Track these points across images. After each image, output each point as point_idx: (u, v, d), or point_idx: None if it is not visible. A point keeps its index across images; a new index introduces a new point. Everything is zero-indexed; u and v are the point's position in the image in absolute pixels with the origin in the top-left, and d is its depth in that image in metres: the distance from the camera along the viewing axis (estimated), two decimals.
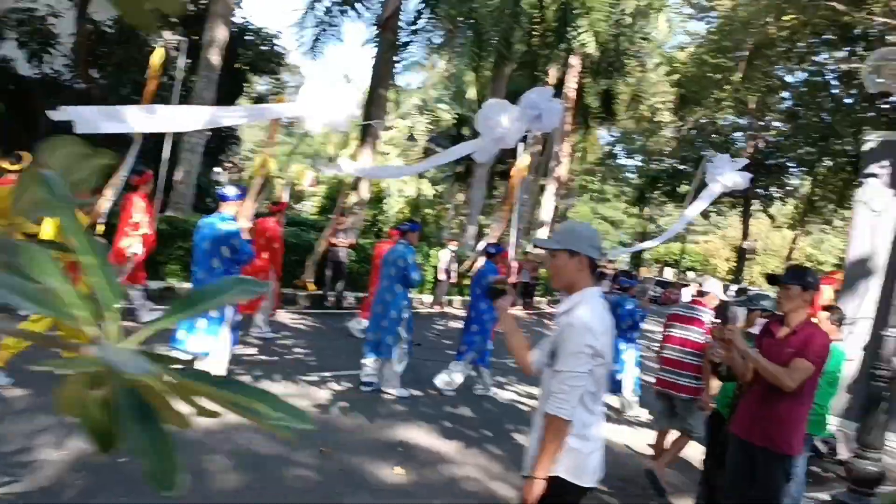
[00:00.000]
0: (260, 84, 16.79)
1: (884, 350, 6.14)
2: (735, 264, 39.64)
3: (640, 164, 53.14)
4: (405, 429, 6.89)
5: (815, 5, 17.89)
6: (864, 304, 6.45)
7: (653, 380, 7.05)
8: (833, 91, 28.76)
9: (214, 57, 13.00)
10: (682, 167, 44.85)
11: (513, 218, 9.68)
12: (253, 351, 8.92)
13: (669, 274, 54.86)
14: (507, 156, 29.39)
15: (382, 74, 16.43)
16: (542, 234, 29.29)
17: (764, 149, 35.54)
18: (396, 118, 43.88)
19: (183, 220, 11.71)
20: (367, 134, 16.42)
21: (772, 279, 4.09)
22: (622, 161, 56.32)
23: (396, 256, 7.98)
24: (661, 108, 37.38)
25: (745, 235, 39.66)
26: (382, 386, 8.03)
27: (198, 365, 1.09)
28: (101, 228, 8.47)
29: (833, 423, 6.66)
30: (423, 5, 17.07)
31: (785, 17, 18.62)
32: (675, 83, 28.45)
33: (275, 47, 16.20)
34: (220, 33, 12.99)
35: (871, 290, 6.44)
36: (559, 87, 27.00)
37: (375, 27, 16.61)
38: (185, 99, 14.25)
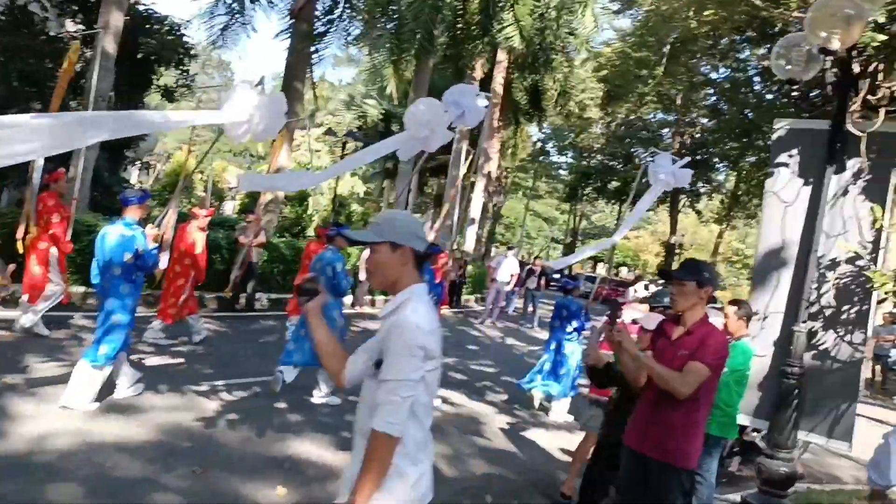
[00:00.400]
0: (168, 76, 15.91)
1: (794, 346, 5.88)
2: (664, 259, 40.10)
3: (571, 160, 53.62)
4: (298, 442, 6.36)
5: (735, 0, 17.93)
6: (775, 297, 6.20)
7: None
8: (755, 87, 29.23)
9: (110, 45, 12.18)
10: (611, 163, 45.33)
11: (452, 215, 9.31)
12: (140, 357, 8.21)
13: (601, 270, 55.47)
14: (439, 151, 29.06)
15: (297, 67, 15.77)
16: (471, 232, 29.00)
17: (690, 144, 36.03)
18: (326, 114, 43.09)
19: (76, 219, 10.86)
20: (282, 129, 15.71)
21: (664, 275, 3.73)
22: (554, 158, 56.82)
23: (325, 264, 7.63)
24: (590, 104, 37.56)
25: (674, 231, 40.23)
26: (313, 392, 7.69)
27: None
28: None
29: (744, 421, 6.40)
30: None
31: (706, 13, 18.60)
32: (602, 79, 28.47)
33: (184, 37, 15.38)
34: (115, 19, 12.18)
35: (783, 283, 6.19)
36: (487, 82, 26.72)
37: (289, 17, 15.91)
38: (81, 92, 13.37)
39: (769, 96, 27.58)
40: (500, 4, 21.33)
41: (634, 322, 4.10)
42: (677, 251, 41.70)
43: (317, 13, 16.24)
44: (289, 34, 16.01)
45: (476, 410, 8.74)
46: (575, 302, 9.11)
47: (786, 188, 6.32)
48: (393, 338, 2.31)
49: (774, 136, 6.47)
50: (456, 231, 25.74)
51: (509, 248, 22.32)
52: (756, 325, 6.32)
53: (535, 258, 26.59)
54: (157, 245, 6.69)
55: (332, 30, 16.66)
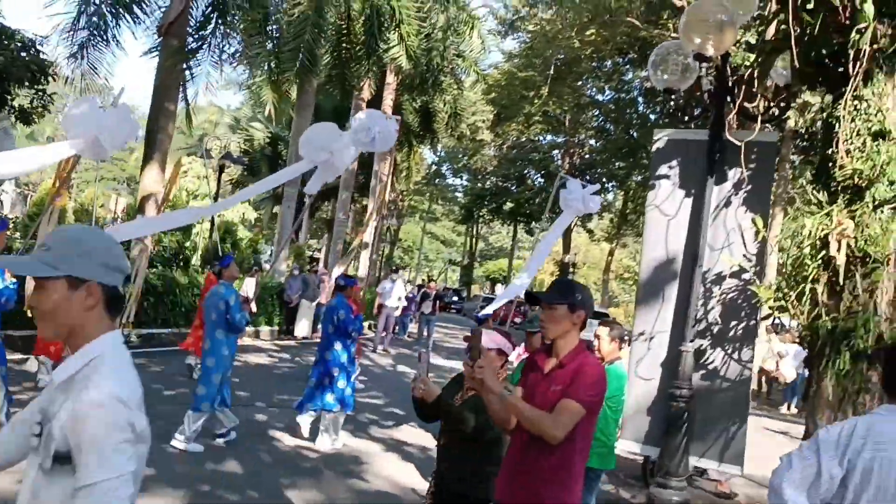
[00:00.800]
0: (23, 96, 14.59)
1: (682, 367, 5.59)
2: (558, 277, 40.53)
3: (466, 182, 53.85)
4: (142, 499, 5.56)
5: (615, 21, 18.27)
6: (661, 316, 5.90)
7: None
8: (639, 108, 30.09)
9: None
10: (505, 184, 45.68)
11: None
12: None
13: (500, 290, 55.77)
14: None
15: (168, 86, 14.79)
16: (365, 256, 28.32)
17: (579, 165, 36.66)
18: (213, 138, 41.55)
19: None
20: (152, 152, 14.67)
21: (531, 298, 3.27)
22: (450, 180, 56.97)
23: (217, 300, 7.06)
24: (482, 126, 37.77)
25: (567, 249, 40.76)
26: (175, 435, 6.89)
27: None
28: None
29: (633, 449, 6.06)
30: (212, 10, 15.58)
31: (588, 32, 18.91)
32: (491, 101, 28.61)
33: (41, 54, 14.16)
34: None
35: (668, 300, 5.90)
36: (376, 103, 26.24)
37: (157, 34, 14.92)
38: None
39: (653, 116, 28.42)
40: (386, 24, 20.94)
41: (501, 352, 3.59)
42: (571, 270, 42.29)
43: (189, 29, 15.33)
44: (157, 51, 15.01)
45: (358, 449, 8.08)
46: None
47: (668, 201, 6.07)
48: (90, 422, 1.61)
49: (654, 148, 6.22)
50: (339, 257, 25.06)
51: (394, 272, 21.81)
52: (643, 346, 6.01)
53: (430, 281, 26.15)
54: (15, 281, 6.27)
55: (204, 47, 15.72)
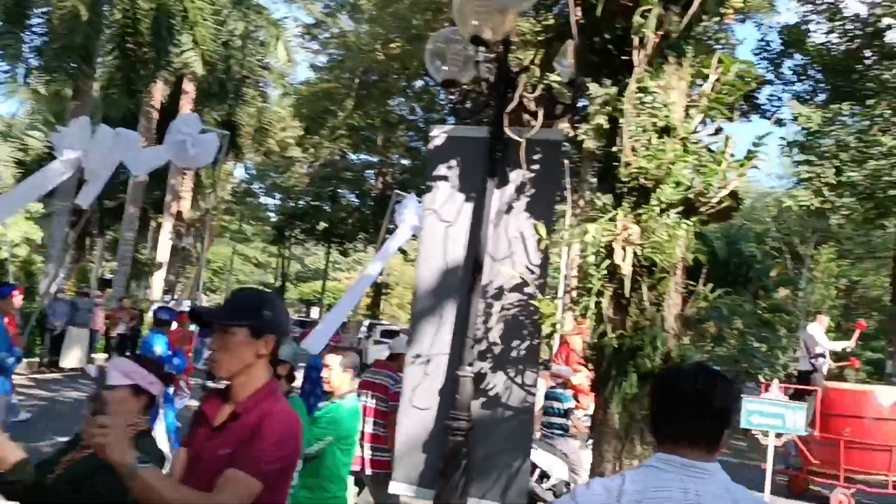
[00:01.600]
0: None
1: (460, 395, 4.85)
2: (372, 299, 39.83)
3: (279, 202, 51.95)
4: None
5: (419, 36, 17.89)
6: (438, 336, 5.14)
7: None
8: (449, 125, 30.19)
9: None
10: (317, 204, 44.39)
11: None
12: None
13: (315, 313, 54.02)
14: (116, 189, 25.76)
15: None
16: (159, 277, 26.00)
17: (392, 184, 36.29)
18: None
19: None
20: None
21: (194, 317, 2.31)
22: (263, 199, 54.79)
23: None
24: (291, 142, 36.49)
25: (381, 271, 40.13)
26: None
27: None
28: None
29: (407, 492, 5.22)
30: None
31: (392, 45, 18.41)
32: (299, 115, 27.48)
33: None
34: None
35: (446, 318, 5.16)
36: (171, 113, 24.30)
37: None
38: None
39: None
40: (178, 27, 19.30)
41: (140, 391, 2.50)
42: (385, 290, 41.79)
43: None
44: None
45: None
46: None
47: (446, 205, 5.34)
48: None
49: (431, 146, 5.49)
50: (129, 277, 22.83)
51: (165, 292, 20.13)
52: (418, 371, 5.22)
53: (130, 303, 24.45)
54: None
55: None
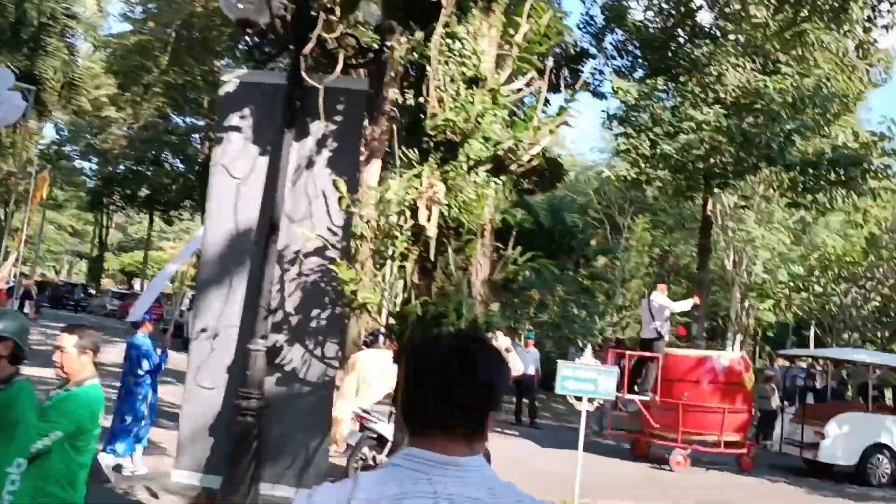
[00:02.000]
0: None
1: (252, 371, 4.35)
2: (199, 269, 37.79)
3: (96, 166, 47.96)
4: None
5: None
6: (227, 307, 4.59)
7: None
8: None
9: None
10: (139, 168, 41.33)
11: None
12: None
13: (138, 285, 50.68)
14: None
15: None
16: None
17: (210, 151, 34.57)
18: None
19: None
20: None
21: None
22: (78, 163, 50.39)
23: None
24: (107, 102, 33.71)
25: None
26: None
27: None
28: None
29: (192, 481, 4.64)
30: None
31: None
32: (110, 70, 25.20)
33: None
34: None
35: (237, 287, 4.62)
36: None
37: None
38: None
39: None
40: None
41: None
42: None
43: None
44: None
45: None
46: (143, 338, 7.43)
47: (238, 159, 4.76)
48: None
49: (222, 92, 4.88)
50: None
51: None
52: (205, 346, 4.65)
53: (22, 277, 22.21)
54: None
55: None
